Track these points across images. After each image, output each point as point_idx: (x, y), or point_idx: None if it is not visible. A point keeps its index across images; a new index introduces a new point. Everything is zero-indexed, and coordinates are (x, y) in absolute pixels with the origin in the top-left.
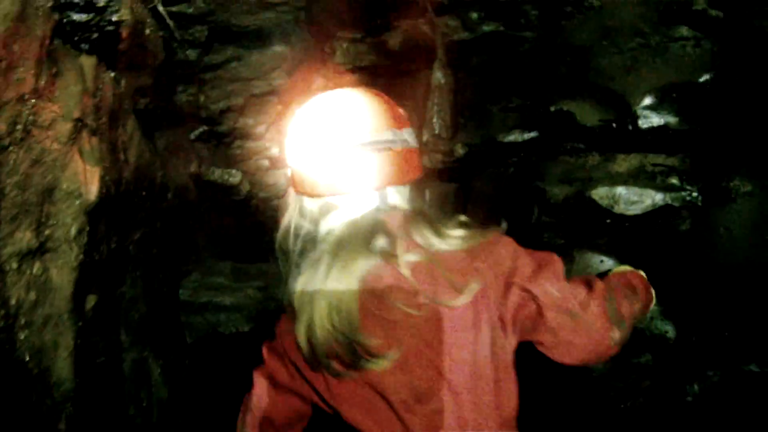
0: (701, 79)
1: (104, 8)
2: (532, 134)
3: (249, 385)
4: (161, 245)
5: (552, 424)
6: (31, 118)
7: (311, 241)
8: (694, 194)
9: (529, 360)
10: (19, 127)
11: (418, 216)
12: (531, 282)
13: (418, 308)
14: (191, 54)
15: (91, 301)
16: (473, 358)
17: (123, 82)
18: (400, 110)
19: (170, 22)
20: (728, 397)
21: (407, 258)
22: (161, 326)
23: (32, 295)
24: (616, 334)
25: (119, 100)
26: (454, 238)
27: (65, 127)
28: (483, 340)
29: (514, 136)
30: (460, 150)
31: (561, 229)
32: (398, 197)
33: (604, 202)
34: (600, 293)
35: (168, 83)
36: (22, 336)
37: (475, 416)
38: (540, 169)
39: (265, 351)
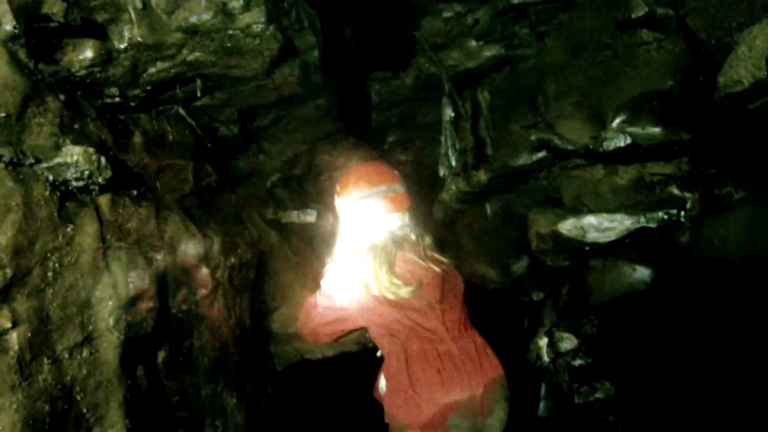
0: (669, 85)
1: (92, 174)
2: (541, 154)
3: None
4: (233, 295)
5: None
6: (57, 263)
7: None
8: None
9: None
10: (49, 274)
11: (421, 235)
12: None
13: (424, 261)
14: (233, 128)
15: (161, 355)
16: (443, 291)
17: (152, 195)
18: (395, 172)
19: (191, 121)
20: None
21: (423, 250)
22: (234, 363)
23: (84, 371)
24: None
25: (152, 211)
26: (437, 247)
27: (88, 258)
28: (449, 286)
29: (524, 159)
30: (483, 176)
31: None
32: (403, 220)
33: (573, 234)
34: None
35: (221, 156)
36: (78, 398)
37: (455, 318)
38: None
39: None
